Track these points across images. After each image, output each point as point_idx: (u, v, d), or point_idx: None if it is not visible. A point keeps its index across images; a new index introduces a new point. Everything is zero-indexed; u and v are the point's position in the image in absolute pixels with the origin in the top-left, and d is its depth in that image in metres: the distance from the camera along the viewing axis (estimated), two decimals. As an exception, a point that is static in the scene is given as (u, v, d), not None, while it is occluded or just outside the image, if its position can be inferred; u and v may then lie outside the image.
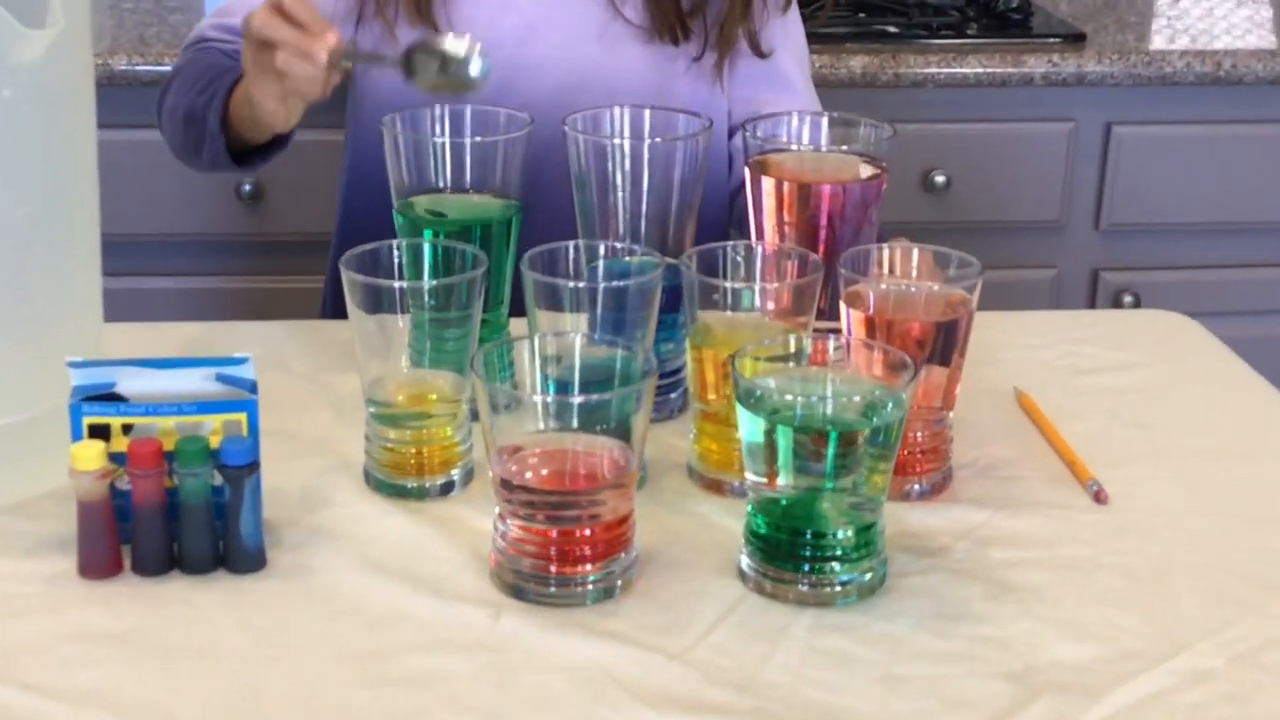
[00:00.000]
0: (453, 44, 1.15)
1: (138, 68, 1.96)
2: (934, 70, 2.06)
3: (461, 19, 1.38)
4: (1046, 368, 1.26)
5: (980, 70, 2.06)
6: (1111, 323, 1.37)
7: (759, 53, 1.43)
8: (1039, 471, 1.11)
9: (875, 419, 0.95)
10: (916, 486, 1.07)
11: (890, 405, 0.94)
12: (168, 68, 1.94)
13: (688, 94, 1.39)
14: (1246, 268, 2.20)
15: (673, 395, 1.17)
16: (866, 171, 1.16)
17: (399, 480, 1.05)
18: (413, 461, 1.04)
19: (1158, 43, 2.13)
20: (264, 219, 2.06)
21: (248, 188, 2.03)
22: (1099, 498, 1.07)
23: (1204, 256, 2.19)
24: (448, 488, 1.05)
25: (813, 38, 1.54)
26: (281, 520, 1.01)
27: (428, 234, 1.14)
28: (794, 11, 1.48)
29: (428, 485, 1.05)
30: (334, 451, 1.09)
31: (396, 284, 1.03)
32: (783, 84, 1.45)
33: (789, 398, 0.96)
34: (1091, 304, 2.21)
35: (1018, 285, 2.18)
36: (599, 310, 1.04)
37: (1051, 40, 2.11)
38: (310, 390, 1.18)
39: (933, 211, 2.13)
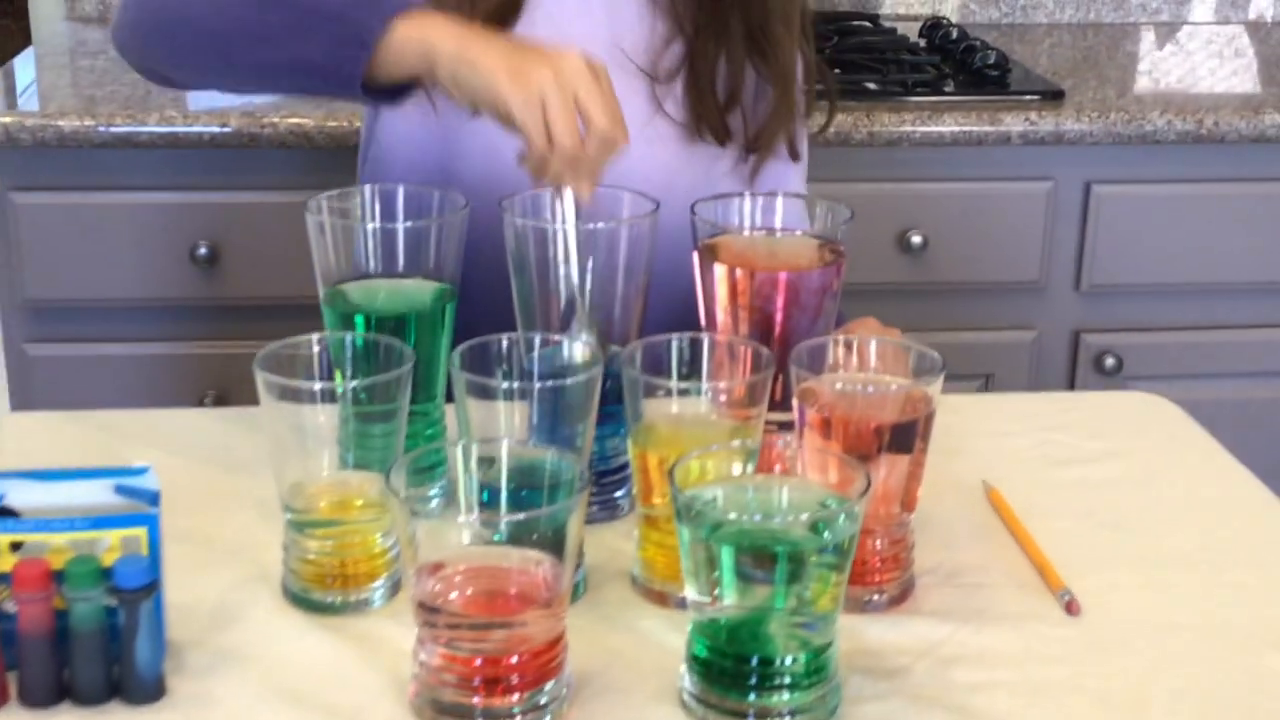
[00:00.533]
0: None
1: (90, 128, 1.90)
2: (909, 128, 2.00)
3: None
4: (1018, 458, 1.19)
5: (956, 128, 2.00)
6: (1088, 406, 1.30)
7: (794, 156, 1.38)
8: (1007, 578, 1.04)
9: (827, 534, 0.87)
10: (875, 597, 1.00)
11: (842, 519, 0.87)
12: (120, 129, 1.89)
13: None
14: (1230, 329, 2.14)
15: (618, 494, 1.10)
16: (823, 256, 1.09)
17: (318, 595, 0.97)
18: (335, 574, 0.97)
19: (1138, 100, 2.07)
20: (219, 283, 1.99)
21: (203, 251, 1.96)
22: (1070, 609, 1.00)
23: (1187, 318, 2.13)
24: (371, 601, 0.98)
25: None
26: (187, 641, 0.93)
27: (359, 320, 1.07)
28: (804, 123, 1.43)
29: (352, 600, 0.98)
30: (253, 560, 1.02)
31: (318, 385, 0.96)
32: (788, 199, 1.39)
33: (732, 514, 0.89)
34: (1072, 366, 2.15)
35: (996, 347, 2.13)
36: (535, 407, 0.98)
37: (1029, 97, 2.05)
38: (235, 487, 1.10)
39: (909, 272, 2.07)
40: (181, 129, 1.90)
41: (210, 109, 1.91)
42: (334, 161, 1.90)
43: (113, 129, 1.90)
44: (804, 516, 0.89)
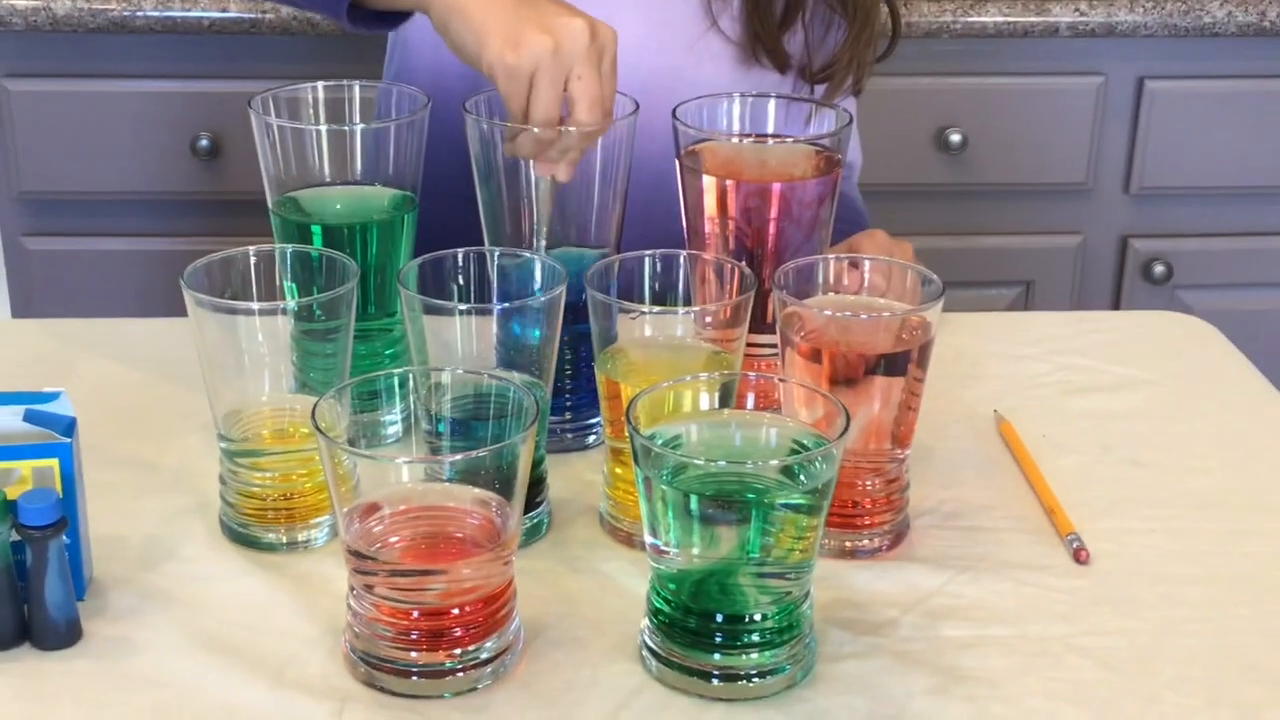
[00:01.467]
0: None
1: (84, 11, 1.81)
2: (949, 19, 1.88)
3: None
4: (1034, 385, 1.10)
5: (1000, 19, 1.88)
6: (1114, 327, 1.20)
7: (858, 90, 1.29)
8: (1013, 521, 0.95)
9: (802, 478, 0.79)
10: (865, 543, 0.91)
11: (819, 462, 0.79)
12: (115, 10, 1.80)
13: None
14: (1290, 236, 2.02)
15: (594, 420, 1.01)
16: (818, 164, 0.99)
17: (258, 532, 0.90)
18: (277, 509, 0.90)
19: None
20: (221, 177, 1.91)
21: (204, 143, 1.88)
22: (1079, 557, 0.91)
23: (1243, 224, 2.01)
24: (315, 540, 0.91)
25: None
26: (113, 578, 0.86)
27: (316, 231, 0.99)
28: None
29: (299, 537, 0.90)
30: (194, 488, 0.95)
31: (256, 305, 0.89)
32: None
33: (695, 458, 0.80)
34: (1119, 274, 2.04)
35: (1040, 253, 2.02)
36: (496, 327, 0.89)
37: (1080, -15, 1.91)
38: (187, 406, 1.03)
39: (948, 173, 1.96)
40: (179, 13, 1.81)
41: (209, -7, 1.83)
42: (340, 49, 1.81)
43: (108, 12, 1.81)
44: (774, 462, 0.81)
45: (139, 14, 1.81)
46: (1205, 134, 1.95)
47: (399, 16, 1.08)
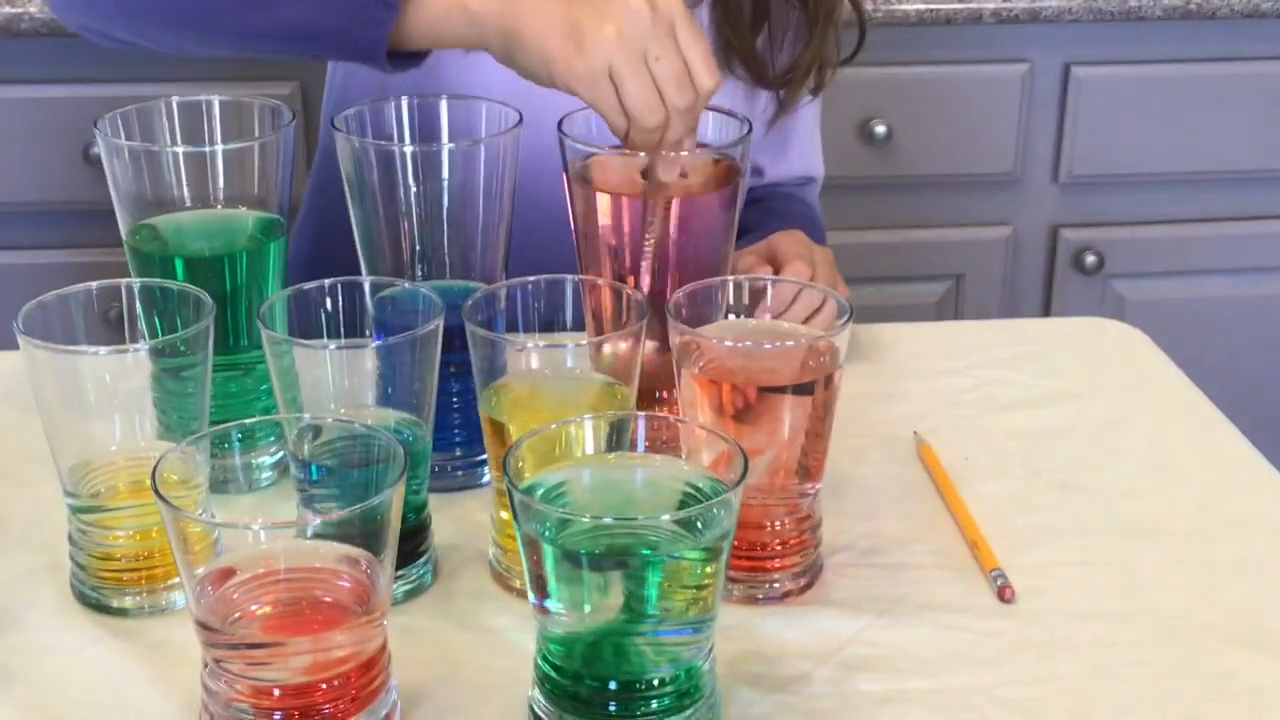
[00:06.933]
0: None
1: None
2: (871, 7, 1.81)
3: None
4: (956, 403, 1.04)
5: (923, 7, 1.82)
6: (1041, 337, 1.14)
7: (818, 91, 1.24)
8: (934, 555, 0.89)
9: (700, 529, 0.72)
10: (774, 586, 0.85)
11: (716, 511, 0.72)
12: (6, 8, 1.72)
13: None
14: (1221, 222, 1.98)
15: (485, 456, 0.94)
16: (718, 174, 0.92)
17: (111, 597, 0.82)
18: (135, 570, 0.82)
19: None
20: (114, 184, 1.82)
21: (96, 150, 1.79)
22: (1003, 595, 0.85)
23: (1173, 210, 1.97)
24: (175, 603, 0.83)
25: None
26: (-52, 654, 0.79)
27: (178, 264, 0.91)
28: None
29: (160, 603, 0.82)
30: (45, 545, 0.87)
31: (103, 350, 0.80)
32: (798, 137, 1.27)
33: (580, 513, 0.73)
34: (1051, 264, 1.99)
35: (968, 246, 1.97)
36: (370, 364, 0.82)
37: (1003, -31, 1.86)
38: (43, 455, 0.94)
39: (873, 165, 1.90)
40: (63, 16, 1.72)
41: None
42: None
43: (-2, 10, 1.72)
44: (666, 516, 0.74)
45: (25, 16, 1.72)
46: (1134, 120, 1.90)
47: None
